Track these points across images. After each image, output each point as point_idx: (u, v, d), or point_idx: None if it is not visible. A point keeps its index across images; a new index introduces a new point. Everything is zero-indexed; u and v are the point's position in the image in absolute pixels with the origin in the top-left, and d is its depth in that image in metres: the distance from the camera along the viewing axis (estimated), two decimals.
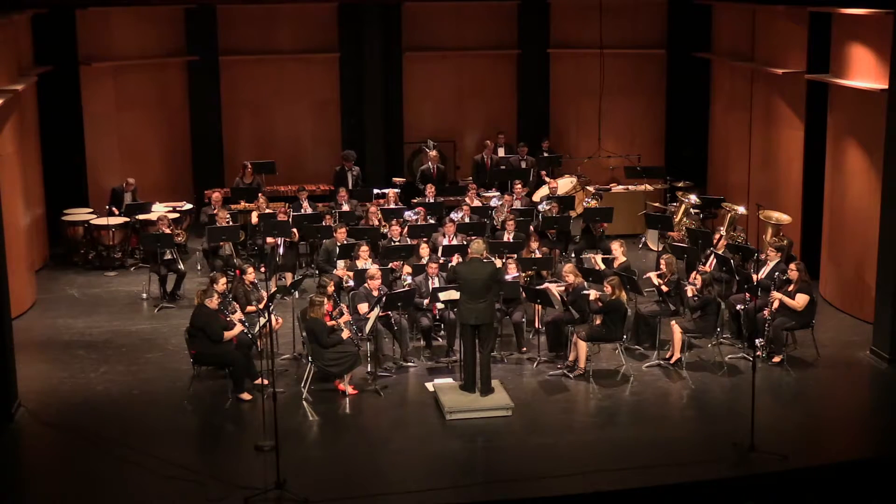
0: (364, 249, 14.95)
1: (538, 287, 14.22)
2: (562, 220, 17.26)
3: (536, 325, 14.66)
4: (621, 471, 11.09)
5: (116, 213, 18.05)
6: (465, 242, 15.31)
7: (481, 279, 12.56)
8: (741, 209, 17.75)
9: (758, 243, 16.71)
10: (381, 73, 20.80)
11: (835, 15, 15.56)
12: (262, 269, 15.99)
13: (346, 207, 17.63)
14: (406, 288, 14.06)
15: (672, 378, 13.47)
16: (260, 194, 18.09)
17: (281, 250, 16.46)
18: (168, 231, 16.62)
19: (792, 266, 13.82)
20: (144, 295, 16.51)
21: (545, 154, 20.74)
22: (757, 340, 13.46)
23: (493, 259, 14.17)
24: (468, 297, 12.56)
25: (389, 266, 14.76)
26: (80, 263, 18.04)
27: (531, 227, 16.84)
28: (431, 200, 18.30)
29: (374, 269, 13.98)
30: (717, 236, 15.66)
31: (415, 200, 18.66)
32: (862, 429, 12.56)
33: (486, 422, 12.20)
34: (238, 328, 12.94)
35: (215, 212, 17.08)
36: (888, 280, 13.74)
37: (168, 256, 16.38)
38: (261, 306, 13.58)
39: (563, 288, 13.98)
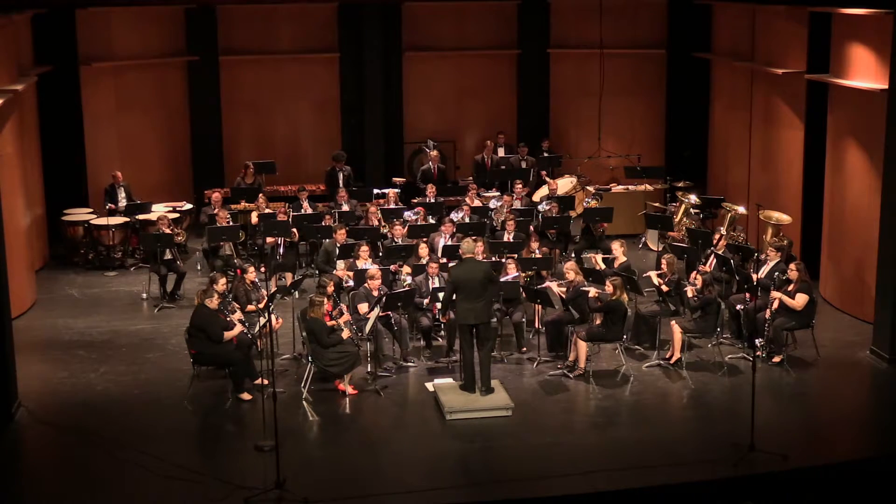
0: (364, 249, 14.95)
1: (539, 287, 14.23)
2: (562, 220, 17.27)
3: (536, 325, 14.66)
4: (621, 471, 11.09)
5: (114, 208, 18.05)
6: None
7: (478, 278, 12.57)
8: (741, 209, 17.74)
9: (758, 243, 16.71)
10: (381, 73, 20.80)
11: (835, 15, 15.56)
12: (262, 269, 15.99)
13: (345, 207, 17.63)
14: (406, 288, 14.06)
15: (672, 378, 13.46)
16: (260, 194, 18.09)
17: (281, 250, 16.46)
18: (168, 231, 16.63)
19: (792, 266, 13.82)
20: (144, 295, 16.51)
21: (545, 154, 20.74)
22: (757, 340, 13.46)
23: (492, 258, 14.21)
24: (465, 297, 12.56)
25: (390, 267, 14.76)
26: (80, 263, 18.04)
27: (531, 227, 16.84)
28: (431, 200, 18.30)
29: (374, 269, 13.99)
30: (717, 236, 15.65)
31: (415, 200, 18.67)
32: (862, 429, 12.56)
33: (486, 422, 12.20)
34: (238, 328, 12.94)
35: (215, 212, 17.08)
36: (888, 280, 13.74)
37: (168, 256, 16.39)
38: (261, 306, 13.58)
39: (563, 288, 13.98)
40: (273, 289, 14.61)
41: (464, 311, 12.58)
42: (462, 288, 12.57)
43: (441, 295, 13.69)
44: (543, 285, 14.32)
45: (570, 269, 13.97)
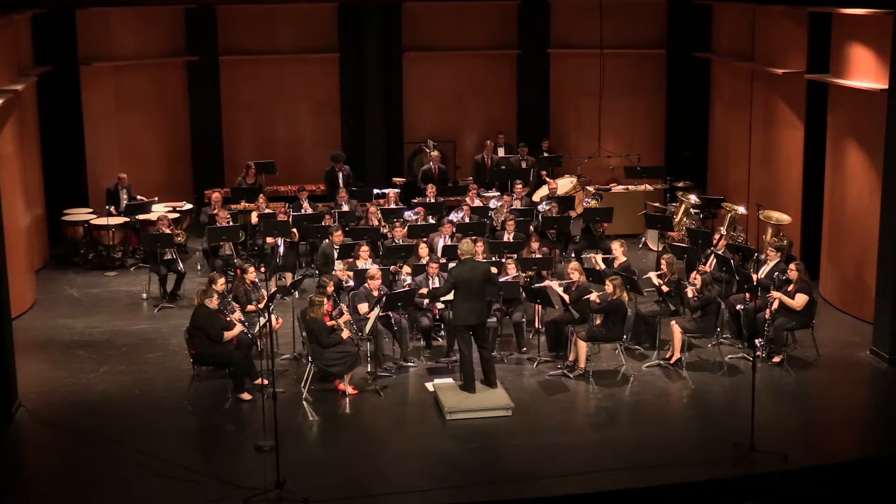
0: (364, 249, 14.95)
1: (539, 284, 14.24)
2: (562, 220, 17.27)
3: (536, 325, 14.65)
4: (621, 471, 11.09)
5: (115, 212, 18.07)
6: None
7: (479, 279, 12.62)
8: (741, 209, 17.74)
9: (758, 243, 16.71)
10: (381, 73, 20.80)
11: (835, 15, 15.56)
12: (263, 269, 15.99)
13: (346, 208, 17.64)
14: (406, 288, 14.05)
15: (672, 378, 13.46)
16: (260, 195, 18.10)
17: (281, 250, 16.46)
18: (168, 231, 16.63)
19: (792, 266, 13.83)
20: (144, 295, 16.52)
21: (545, 154, 20.74)
22: (757, 340, 13.46)
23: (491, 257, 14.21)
24: (467, 297, 12.57)
25: (389, 268, 14.76)
26: (80, 263, 18.04)
27: (531, 227, 16.84)
28: (432, 200, 18.30)
29: (374, 269, 13.99)
30: (717, 236, 15.66)
31: (415, 200, 18.67)
32: (862, 429, 12.56)
33: (486, 422, 12.20)
34: (238, 328, 12.94)
35: (215, 212, 17.09)
36: (888, 280, 13.74)
37: (168, 256, 16.39)
38: (261, 306, 13.58)
39: (562, 288, 13.96)
40: (273, 289, 14.61)
41: (465, 312, 12.59)
42: (462, 288, 12.57)
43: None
44: (543, 283, 14.33)
45: (573, 269, 13.97)
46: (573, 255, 17.12)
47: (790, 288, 13.66)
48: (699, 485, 10.90)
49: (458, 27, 21.49)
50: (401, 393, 13.17)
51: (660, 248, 16.65)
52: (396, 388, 13.23)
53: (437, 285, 14.06)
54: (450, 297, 13.42)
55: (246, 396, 12.74)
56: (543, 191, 19.29)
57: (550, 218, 17.24)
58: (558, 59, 21.61)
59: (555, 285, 14.08)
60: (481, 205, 17.84)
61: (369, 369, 13.28)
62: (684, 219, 18.03)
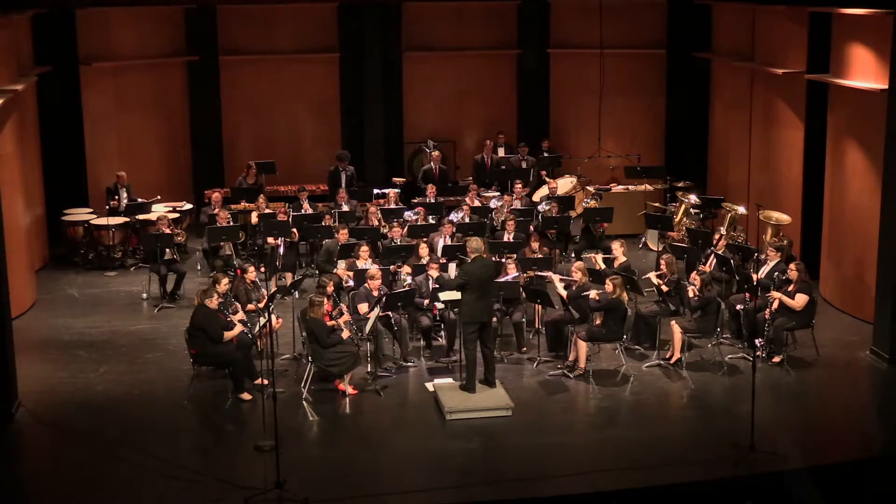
0: (364, 249, 14.96)
1: (542, 273, 14.23)
2: (562, 220, 17.27)
3: (536, 325, 14.66)
4: (621, 471, 11.10)
5: (116, 204, 18.05)
6: (463, 243, 15.30)
7: (489, 276, 12.70)
8: (741, 209, 17.75)
9: (758, 243, 16.71)
10: (381, 73, 20.80)
11: (835, 15, 15.56)
12: (262, 269, 15.99)
13: (346, 208, 17.64)
14: (406, 288, 14.05)
15: (672, 378, 13.46)
16: (261, 195, 18.10)
17: (281, 250, 16.46)
18: (168, 231, 16.63)
19: (792, 266, 13.83)
20: (144, 295, 16.52)
21: (545, 154, 20.74)
22: (757, 340, 13.46)
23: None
24: (480, 294, 12.56)
25: (389, 267, 14.76)
26: (80, 263, 18.04)
27: (531, 227, 16.85)
28: (432, 200, 18.30)
29: (374, 269, 13.99)
30: (717, 236, 15.66)
31: (415, 200, 18.67)
32: (862, 429, 12.55)
33: (486, 422, 12.20)
34: (238, 328, 12.94)
35: (215, 212, 17.09)
36: (888, 280, 13.74)
37: (168, 256, 16.39)
38: (261, 306, 13.59)
39: (563, 284, 13.96)
40: (273, 289, 14.61)
41: (478, 309, 12.56)
42: (476, 286, 12.55)
43: (441, 295, 13.68)
44: (545, 274, 14.33)
45: (578, 268, 13.98)
46: (573, 255, 17.13)
47: (790, 288, 13.66)
48: (699, 485, 10.90)
49: (458, 27, 21.50)
50: (401, 393, 13.17)
51: (660, 248, 16.66)
52: (396, 388, 13.23)
53: (436, 285, 14.04)
54: (448, 296, 13.44)
55: (246, 396, 12.74)
56: (543, 191, 19.29)
57: (550, 218, 17.24)
58: (558, 59, 21.62)
59: (556, 279, 14.09)
60: (481, 205, 17.84)
61: (369, 369, 13.29)
62: (684, 219, 18.03)
